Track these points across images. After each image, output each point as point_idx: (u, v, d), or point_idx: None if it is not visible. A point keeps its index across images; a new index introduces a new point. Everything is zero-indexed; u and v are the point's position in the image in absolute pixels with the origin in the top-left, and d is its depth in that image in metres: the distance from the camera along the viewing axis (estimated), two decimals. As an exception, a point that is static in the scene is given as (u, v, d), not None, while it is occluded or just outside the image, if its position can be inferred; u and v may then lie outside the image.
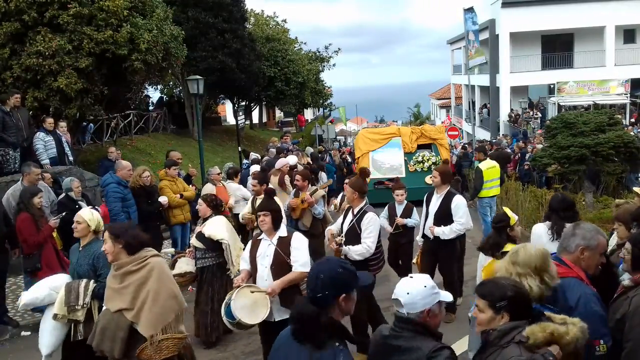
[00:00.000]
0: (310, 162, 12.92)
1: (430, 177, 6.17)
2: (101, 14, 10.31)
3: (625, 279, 3.07)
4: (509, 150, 18.10)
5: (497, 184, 10.19)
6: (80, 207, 7.07)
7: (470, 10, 18.62)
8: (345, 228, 5.30)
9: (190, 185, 8.90)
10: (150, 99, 23.33)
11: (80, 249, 4.46)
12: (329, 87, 35.68)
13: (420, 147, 15.47)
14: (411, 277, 2.47)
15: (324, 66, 33.85)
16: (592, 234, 2.99)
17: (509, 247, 4.34)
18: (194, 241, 5.77)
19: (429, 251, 6.32)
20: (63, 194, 7.23)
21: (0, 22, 9.98)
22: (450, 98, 44.20)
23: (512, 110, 29.23)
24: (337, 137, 35.66)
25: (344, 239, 5.15)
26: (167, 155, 9.42)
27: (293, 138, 22.18)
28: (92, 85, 10.52)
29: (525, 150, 17.15)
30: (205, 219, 5.80)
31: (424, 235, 6.37)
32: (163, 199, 7.88)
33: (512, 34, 28.50)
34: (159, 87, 24.04)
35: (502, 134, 26.41)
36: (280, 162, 9.99)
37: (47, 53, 9.85)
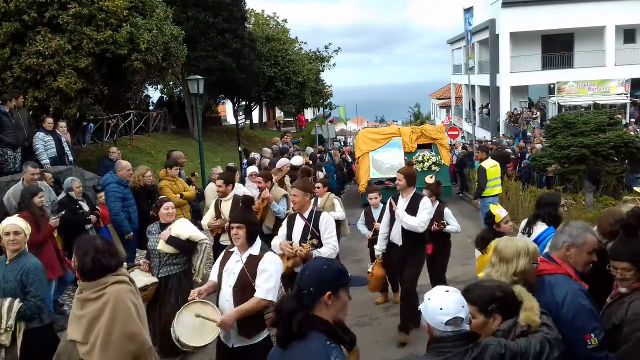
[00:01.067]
0: (310, 162, 12.92)
1: (397, 180, 5.76)
2: (101, 14, 10.30)
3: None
4: (509, 150, 18.12)
5: (499, 182, 10.29)
6: (81, 207, 7.10)
7: (469, 10, 18.65)
8: (297, 235, 4.89)
9: (190, 185, 8.90)
10: (150, 99, 23.33)
11: (7, 262, 3.93)
12: (329, 87, 35.67)
13: (421, 146, 15.52)
14: (447, 290, 2.35)
15: (324, 66, 33.84)
16: (578, 231, 2.99)
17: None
18: (162, 246, 5.20)
19: (398, 259, 5.92)
20: (63, 194, 7.23)
21: (0, 22, 9.97)
22: (450, 98, 44.20)
23: (513, 109, 29.22)
24: (337, 137, 35.64)
25: (312, 246, 4.75)
26: (169, 156, 9.41)
27: (293, 138, 22.19)
28: (92, 85, 10.52)
29: (526, 150, 17.17)
30: (167, 224, 5.34)
31: (390, 243, 5.96)
32: (163, 199, 7.89)
33: (512, 34, 28.50)
34: (159, 87, 24.03)
35: (502, 134, 26.42)
36: (281, 162, 9.99)
37: (47, 53, 9.84)
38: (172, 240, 5.19)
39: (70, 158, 9.65)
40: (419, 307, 2.41)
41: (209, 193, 8.56)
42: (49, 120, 9.20)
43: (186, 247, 5.24)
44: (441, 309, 2.28)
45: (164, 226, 5.33)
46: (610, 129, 12.39)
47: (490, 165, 10.10)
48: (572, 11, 27.18)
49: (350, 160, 22.11)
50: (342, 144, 34.18)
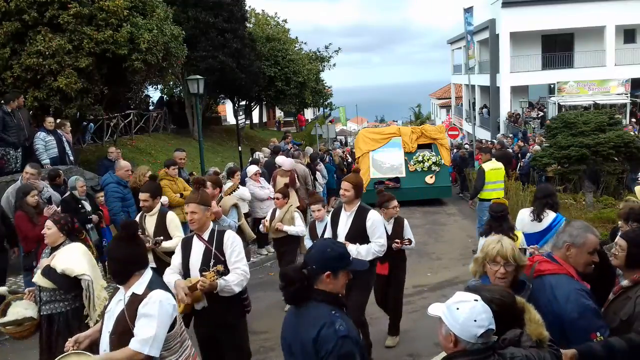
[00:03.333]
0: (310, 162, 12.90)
1: (342, 191, 4.83)
2: (101, 13, 10.30)
3: (626, 280, 3.06)
4: (510, 151, 18.11)
5: (500, 186, 9.70)
6: (83, 207, 7.12)
7: (469, 10, 18.65)
8: (196, 262, 3.97)
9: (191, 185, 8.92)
10: (151, 99, 23.34)
11: None
12: (329, 87, 35.69)
13: (421, 146, 15.51)
14: (476, 299, 2.23)
15: (324, 66, 33.85)
16: (579, 231, 2.98)
17: (519, 234, 5.31)
18: (38, 279, 4.13)
19: None
20: (68, 193, 7.25)
21: (1, 22, 9.98)
22: (450, 98, 44.21)
23: (514, 110, 29.22)
24: (337, 136, 35.65)
25: (221, 270, 3.85)
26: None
27: (292, 138, 22.18)
28: (92, 85, 10.52)
29: (526, 149, 17.17)
30: (54, 248, 4.26)
31: None
32: (163, 199, 7.88)
33: (512, 34, 28.50)
34: (159, 86, 24.03)
35: (502, 134, 26.42)
36: (288, 163, 9.98)
37: (47, 53, 9.84)
38: (47, 272, 4.10)
39: (71, 158, 9.66)
40: (431, 312, 2.28)
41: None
42: (50, 119, 9.21)
43: (63, 283, 4.08)
44: (475, 320, 2.14)
45: (53, 251, 4.28)
46: (610, 129, 12.39)
47: (491, 168, 9.61)
48: (572, 11, 27.17)
49: (350, 160, 22.11)
50: (342, 144, 34.19)
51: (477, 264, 3.01)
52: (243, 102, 26.77)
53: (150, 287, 2.99)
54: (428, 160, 15.15)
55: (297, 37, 32.33)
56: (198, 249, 4.00)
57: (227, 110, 36.15)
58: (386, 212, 5.82)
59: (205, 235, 4.01)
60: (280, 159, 10.49)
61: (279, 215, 6.87)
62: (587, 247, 2.94)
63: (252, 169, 9.55)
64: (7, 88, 9.83)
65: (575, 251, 2.95)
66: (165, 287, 3.11)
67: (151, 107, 21.95)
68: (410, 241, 5.74)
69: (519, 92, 30.03)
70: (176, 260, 4.09)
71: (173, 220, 5.34)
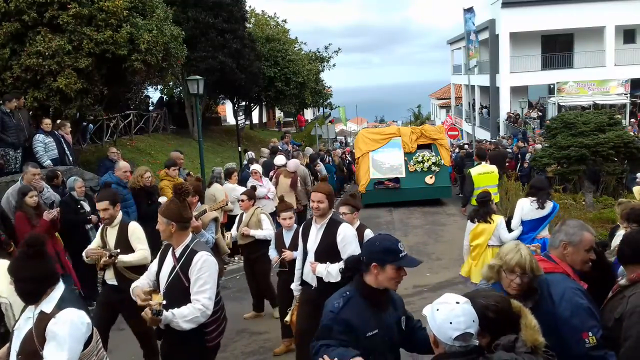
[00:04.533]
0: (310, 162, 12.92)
1: (314, 204, 4.36)
2: (101, 14, 10.30)
3: (623, 278, 3.07)
4: (509, 150, 18.12)
5: (493, 191, 8.66)
6: (82, 207, 7.12)
7: (469, 10, 18.64)
8: (163, 278, 3.54)
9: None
10: (150, 99, 23.34)
11: None
12: (329, 87, 35.70)
13: (420, 147, 15.51)
14: (457, 302, 2.22)
15: (324, 66, 33.86)
16: (574, 229, 2.99)
17: (494, 217, 6.24)
18: None
19: (308, 302, 4.52)
20: (67, 194, 7.26)
21: (0, 22, 9.97)
22: (450, 98, 44.22)
23: (514, 111, 29.22)
24: (337, 137, 35.67)
25: (163, 303, 3.31)
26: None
27: (292, 138, 22.18)
28: (92, 85, 10.51)
29: (525, 150, 17.18)
30: None
31: (302, 282, 4.68)
32: (163, 200, 7.90)
33: (512, 34, 28.51)
34: (159, 87, 24.01)
35: (502, 134, 26.43)
36: (293, 164, 9.99)
37: (46, 53, 9.83)
38: None
39: (71, 158, 9.66)
40: (423, 312, 2.31)
41: (210, 195, 8.58)
42: (47, 121, 9.22)
43: None
44: (451, 322, 2.15)
45: None
46: (610, 129, 12.40)
47: (479, 172, 8.94)
48: (572, 11, 27.19)
49: (350, 160, 22.12)
50: (342, 144, 34.20)
51: (492, 272, 2.95)
52: (243, 103, 26.76)
53: (59, 306, 2.74)
54: (428, 160, 15.16)
55: (296, 38, 32.36)
56: (168, 264, 3.54)
57: (226, 110, 36.15)
58: (281, 223, 5.62)
59: (178, 251, 3.50)
60: (280, 159, 10.50)
61: (245, 218, 6.39)
62: (583, 245, 2.94)
63: (253, 169, 9.59)
64: (7, 88, 9.82)
65: (572, 249, 2.96)
66: (78, 304, 2.83)
67: (151, 108, 21.94)
68: None
69: (518, 92, 30.05)
70: (152, 267, 3.72)
71: (135, 231, 4.84)
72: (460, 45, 35.19)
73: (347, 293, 2.75)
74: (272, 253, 5.76)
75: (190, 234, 3.58)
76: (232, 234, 6.55)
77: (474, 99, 31.04)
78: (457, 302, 2.21)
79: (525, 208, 6.19)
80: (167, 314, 3.25)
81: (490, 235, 6.16)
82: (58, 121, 10.06)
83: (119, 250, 4.70)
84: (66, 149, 9.48)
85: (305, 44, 33.53)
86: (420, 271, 8.52)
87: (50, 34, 9.97)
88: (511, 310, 2.41)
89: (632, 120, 24.92)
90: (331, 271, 4.27)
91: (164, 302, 3.31)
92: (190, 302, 3.35)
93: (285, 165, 10.04)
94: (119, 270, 4.75)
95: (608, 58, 28.12)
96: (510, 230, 6.28)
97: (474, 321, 2.17)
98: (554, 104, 26.72)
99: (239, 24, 20.99)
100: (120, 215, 4.89)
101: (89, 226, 7.14)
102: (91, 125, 14.23)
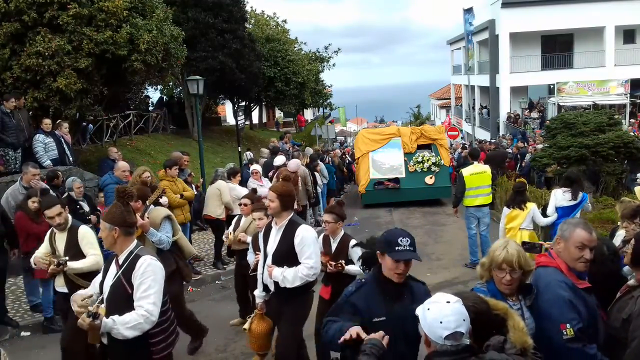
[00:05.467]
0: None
1: (267, 202, 4.29)
2: (101, 14, 10.31)
3: (632, 278, 3.08)
4: (509, 150, 18.13)
5: (485, 192, 8.85)
6: (81, 207, 7.12)
7: (469, 11, 18.68)
8: (107, 287, 3.32)
9: (192, 186, 8.96)
10: (150, 99, 23.33)
11: None
12: (328, 87, 35.70)
13: (420, 147, 15.52)
14: (448, 301, 2.23)
15: (324, 66, 33.86)
16: (569, 226, 3.02)
17: (528, 204, 7.19)
18: None
19: (268, 309, 4.50)
20: (65, 194, 7.26)
21: (0, 23, 9.98)
22: (450, 98, 44.23)
23: (513, 111, 29.23)
24: (337, 137, 35.68)
25: (101, 307, 3.15)
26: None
27: (292, 138, 22.19)
28: (92, 85, 10.52)
29: (525, 150, 17.18)
30: None
31: (265, 287, 4.45)
32: (164, 200, 7.89)
33: (512, 34, 28.51)
34: (159, 87, 24.02)
35: (502, 134, 26.44)
36: (294, 164, 10.00)
37: (46, 53, 9.84)
38: None
39: (71, 159, 9.66)
40: (416, 313, 2.31)
41: (223, 189, 8.60)
42: (47, 121, 9.23)
43: None
44: (441, 322, 2.16)
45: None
46: (609, 130, 12.40)
47: (470, 172, 8.83)
48: (572, 11, 27.19)
49: (349, 160, 22.12)
50: (342, 144, 34.20)
51: (484, 269, 3.01)
52: (243, 103, 26.76)
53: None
54: (428, 160, 15.16)
55: (296, 38, 32.36)
56: (112, 272, 3.34)
57: (226, 110, 36.14)
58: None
59: (121, 258, 3.30)
60: (279, 160, 10.50)
61: (244, 224, 6.07)
62: (573, 241, 2.93)
63: (254, 169, 9.61)
64: (7, 89, 9.83)
65: (563, 245, 2.99)
66: None
67: (151, 108, 21.94)
68: (342, 266, 4.70)
69: (518, 92, 30.05)
70: (97, 278, 3.51)
71: (86, 235, 4.65)
72: (460, 46, 35.20)
73: (363, 280, 2.99)
74: (250, 257, 5.49)
75: (135, 240, 3.40)
76: (229, 234, 6.24)
77: (474, 99, 31.03)
78: (448, 302, 2.22)
79: (559, 197, 7.07)
80: (107, 320, 3.05)
81: (523, 219, 7.11)
82: (58, 121, 10.07)
83: (67, 258, 4.50)
84: (66, 149, 9.48)
85: (305, 44, 33.58)
86: (420, 271, 8.50)
87: (50, 34, 9.98)
88: (491, 311, 2.41)
89: (632, 120, 24.92)
90: (287, 276, 4.06)
91: (103, 307, 3.14)
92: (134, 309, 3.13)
93: (285, 165, 10.05)
94: (70, 277, 4.54)
95: (608, 58, 28.12)
96: (546, 216, 7.27)
97: (464, 320, 2.18)
98: (554, 104, 26.72)
99: (239, 24, 20.98)
100: (70, 219, 4.74)
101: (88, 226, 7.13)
102: (91, 125, 14.24)
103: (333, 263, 4.71)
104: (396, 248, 2.83)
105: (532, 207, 7.18)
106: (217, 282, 8.60)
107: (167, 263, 4.71)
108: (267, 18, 30.52)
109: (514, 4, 28.31)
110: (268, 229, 4.38)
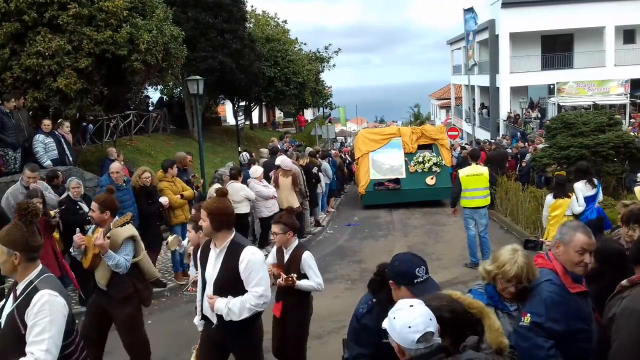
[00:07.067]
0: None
1: (201, 221, 3.63)
2: (101, 14, 10.30)
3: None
4: (509, 150, 18.12)
5: (482, 194, 8.74)
6: (80, 208, 7.10)
7: (470, 10, 18.67)
8: (2, 321, 2.84)
9: (193, 186, 8.97)
10: (150, 99, 23.34)
11: None
12: (328, 87, 35.72)
13: (421, 147, 15.41)
14: (411, 305, 2.24)
15: (324, 66, 33.88)
16: (568, 229, 3.03)
17: (571, 194, 7.67)
18: None
19: (209, 342, 3.78)
20: (65, 194, 7.24)
21: (0, 23, 9.98)
22: (450, 98, 44.24)
23: (513, 111, 29.23)
24: (337, 137, 35.69)
25: None
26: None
27: (291, 138, 22.19)
28: (92, 85, 10.51)
29: (525, 150, 17.17)
30: None
31: (203, 316, 3.83)
32: (164, 200, 7.91)
33: (512, 34, 28.52)
34: (159, 87, 24.02)
35: (502, 135, 26.44)
36: (288, 162, 9.99)
37: (46, 53, 9.84)
38: None
39: (71, 159, 9.66)
40: (383, 326, 2.29)
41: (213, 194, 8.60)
42: (47, 122, 9.23)
43: None
44: (410, 327, 2.13)
45: None
46: (609, 130, 12.40)
47: (468, 174, 8.76)
48: (572, 11, 27.20)
49: (349, 160, 22.12)
50: (342, 144, 34.21)
51: (489, 276, 3.04)
52: (243, 103, 26.77)
53: None
54: (429, 161, 15.03)
55: (296, 38, 32.40)
56: (9, 302, 2.85)
57: (226, 110, 36.15)
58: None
59: (19, 288, 2.81)
60: (280, 159, 10.50)
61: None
62: (573, 245, 2.94)
63: (257, 171, 9.59)
64: (7, 89, 9.82)
65: (562, 249, 3.00)
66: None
67: (151, 108, 21.95)
68: (293, 280, 4.28)
69: (518, 92, 30.06)
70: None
71: None
72: (460, 46, 35.21)
73: (374, 300, 2.94)
74: (192, 271, 4.94)
75: (39, 267, 2.88)
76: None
77: (473, 99, 31.04)
78: (411, 305, 2.21)
79: (582, 189, 7.72)
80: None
81: (567, 207, 7.64)
82: (59, 120, 10.06)
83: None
84: (66, 149, 9.48)
85: (305, 44, 33.61)
86: (420, 271, 8.51)
87: (50, 34, 9.97)
88: (465, 310, 2.41)
89: (632, 120, 24.92)
90: (233, 308, 3.47)
91: None
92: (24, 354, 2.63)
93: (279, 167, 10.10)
94: None
95: (608, 58, 28.13)
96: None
97: (431, 319, 2.17)
98: (554, 104, 26.73)
99: (239, 24, 20.99)
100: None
101: (87, 227, 7.11)
102: (91, 125, 14.23)
103: (284, 276, 4.30)
104: (415, 281, 2.71)
105: (573, 196, 7.77)
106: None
107: (122, 287, 4.58)
108: (267, 18, 30.55)
109: (514, 4, 28.32)
110: (205, 249, 3.71)
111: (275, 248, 4.70)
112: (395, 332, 2.18)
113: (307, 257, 4.45)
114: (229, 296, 3.50)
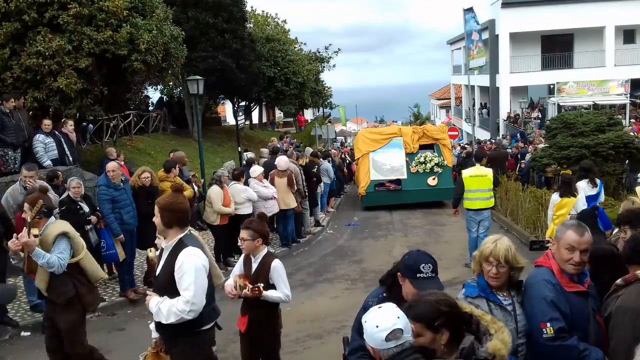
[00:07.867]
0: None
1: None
2: (101, 14, 10.30)
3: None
4: (509, 150, 18.13)
5: (485, 196, 8.68)
6: (81, 208, 7.10)
7: (470, 10, 18.65)
8: None
9: (194, 185, 8.98)
10: (150, 99, 23.32)
11: None
12: (328, 88, 35.72)
13: (422, 147, 15.28)
14: (380, 307, 2.28)
15: (324, 66, 33.87)
16: (562, 227, 3.04)
17: (576, 194, 7.67)
18: None
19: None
20: (65, 194, 7.24)
21: (0, 22, 9.98)
22: (450, 98, 44.25)
23: (514, 111, 29.24)
24: (337, 137, 35.70)
25: None
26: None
27: (291, 137, 22.19)
28: (92, 85, 10.52)
29: (525, 150, 17.16)
30: None
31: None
32: (163, 200, 7.90)
33: (512, 34, 28.53)
34: (159, 87, 24.00)
35: (502, 134, 26.45)
36: (283, 162, 9.98)
37: (47, 53, 9.84)
38: None
39: (71, 158, 9.66)
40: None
41: (215, 196, 8.57)
42: (47, 122, 9.23)
43: None
44: (377, 326, 2.18)
45: None
46: (610, 130, 12.41)
47: (470, 175, 8.70)
48: (572, 11, 27.21)
49: (349, 160, 22.12)
50: (342, 144, 34.21)
51: (475, 262, 3.08)
52: (243, 103, 26.76)
53: None
54: (430, 161, 14.89)
55: (296, 38, 32.38)
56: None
57: (226, 110, 36.14)
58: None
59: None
60: (276, 159, 10.51)
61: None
62: (563, 242, 2.94)
63: (256, 170, 9.59)
64: (7, 89, 9.82)
65: (555, 246, 3.01)
66: None
67: (151, 108, 21.94)
68: (259, 290, 3.92)
69: (518, 92, 30.07)
70: None
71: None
72: (460, 46, 35.20)
73: (384, 294, 2.91)
74: None
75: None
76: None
77: (473, 99, 31.04)
78: (380, 307, 2.28)
79: (585, 188, 7.86)
80: None
81: (572, 206, 7.62)
82: (63, 120, 10.06)
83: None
84: (66, 149, 9.49)
85: (305, 44, 33.59)
86: (420, 271, 8.50)
87: (50, 34, 9.97)
88: (459, 307, 2.43)
89: (632, 120, 24.93)
90: (162, 308, 3.27)
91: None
92: None
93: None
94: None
95: (608, 58, 28.14)
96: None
97: (399, 317, 2.19)
98: (554, 104, 26.74)
99: (239, 24, 20.98)
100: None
101: (88, 227, 7.11)
102: (91, 125, 14.23)
103: (250, 286, 3.93)
104: (417, 275, 2.76)
105: (579, 196, 7.83)
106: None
107: (62, 290, 4.28)
108: (267, 18, 30.55)
109: (514, 4, 28.34)
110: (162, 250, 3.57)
111: (242, 257, 4.30)
112: (367, 335, 2.23)
113: (277, 266, 4.09)
114: (164, 295, 3.33)
